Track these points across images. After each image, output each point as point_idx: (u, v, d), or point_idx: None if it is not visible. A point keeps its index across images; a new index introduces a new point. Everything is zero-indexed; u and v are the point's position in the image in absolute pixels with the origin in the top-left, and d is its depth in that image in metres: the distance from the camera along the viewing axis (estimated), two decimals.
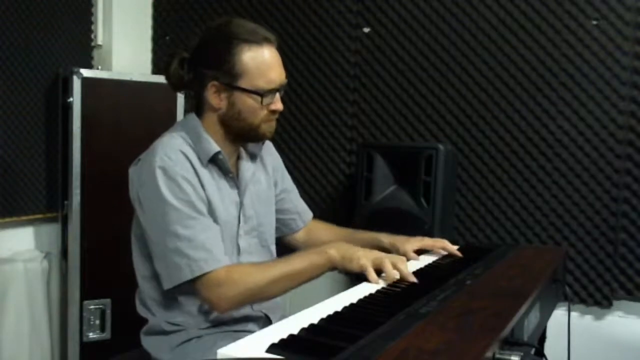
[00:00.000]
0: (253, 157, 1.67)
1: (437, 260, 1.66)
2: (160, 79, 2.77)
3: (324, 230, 1.89)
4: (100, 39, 2.99)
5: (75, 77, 2.54)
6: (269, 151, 1.77)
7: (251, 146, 1.66)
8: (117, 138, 2.63)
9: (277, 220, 1.78)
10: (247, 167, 1.64)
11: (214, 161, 1.53)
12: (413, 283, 1.36)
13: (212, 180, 1.52)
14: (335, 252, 1.44)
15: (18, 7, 2.58)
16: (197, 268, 1.40)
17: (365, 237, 1.77)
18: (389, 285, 1.35)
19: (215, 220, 1.50)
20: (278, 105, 1.54)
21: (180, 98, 2.79)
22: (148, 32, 3.20)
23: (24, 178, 2.65)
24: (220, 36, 1.50)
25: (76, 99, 2.55)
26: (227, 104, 1.51)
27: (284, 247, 1.84)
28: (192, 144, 1.51)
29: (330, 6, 2.81)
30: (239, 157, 1.63)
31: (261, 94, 1.49)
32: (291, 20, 2.89)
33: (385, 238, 1.74)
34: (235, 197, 1.58)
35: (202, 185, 1.49)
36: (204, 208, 1.46)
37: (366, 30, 2.77)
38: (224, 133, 1.55)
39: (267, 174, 1.73)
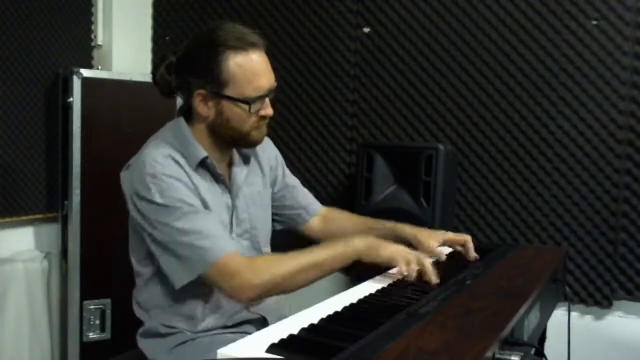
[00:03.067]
0: (246, 159, 1.65)
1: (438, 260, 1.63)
2: None
3: (343, 218, 1.85)
4: (100, 39, 2.99)
5: (75, 77, 2.55)
6: (265, 148, 1.72)
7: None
8: (117, 138, 2.63)
9: (281, 216, 1.77)
10: (240, 170, 1.62)
11: (204, 166, 1.52)
12: (410, 283, 1.36)
13: (204, 184, 1.51)
14: (359, 242, 1.44)
15: (18, 7, 2.58)
16: (210, 255, 1.37)
17: (387, 227, 1.73)
18: (389, 284, 1.35)
19: None
20: (267, 110, 1.50)
21: (180, 99, 2.78)
22: (148, 32, 3.20)
23: (24, 178, 2.65)
24: (206, 43, 1.46)
25: (76, 99, 2.55)
26: (215, 112, 1.48)
27: (300, 239, 1.81)
28: (181, 149, 1.49)
29: (330, 6, 2.81)
30: (231, 161, 1.61)
31: (249, 102, 1.45)
32: (291, 20, 2.89)
33: (409, 230, 1.69)
34: (227, 201, 1.57)
35: (195, 186, 1.47)
36: (199, 203, 1.45)
37: (366, 30, 2.77)
38: (213, 140, 1.53)
39: (263, 174, 1.70)
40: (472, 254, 1.67)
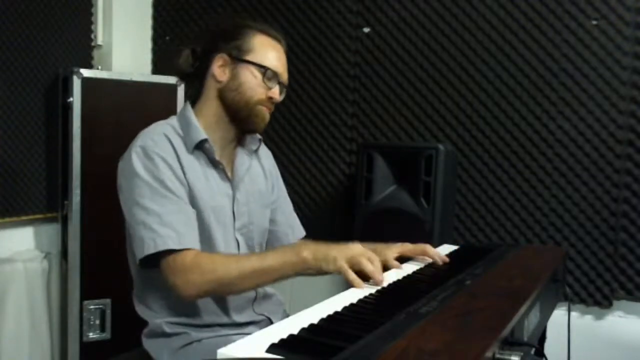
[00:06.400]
0: (249, 152, 1.67)
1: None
2: (161, 79, 2.80)
3: None
4: (100, 39, 2.99)
5: (75, 77, 2.54)
6: (267, 154, 1.76)
7: (248, 141, 1.66)
8: (117, 138, 2.61)
9: (270, 231, 1.74)
10: (242, 162, 1.63)
11: (203, 151, 1.53)
12: (410, 283, 1.36)
13: (199, 167, 1.52)
14: (308, 253, 1.38)
15: (17, 7, 2.58)
16: (161, 242, 1.38)
17: None
18: (388, 284, 1.35)
19: (196, 206, 1.49)
20: (276, 93, 1.56)
21: (180, 98, 2.79)
22: (148, 32, 3.20)
23: (24, 178, 2.65)
24: (235, 21, 1.60)
25: (76, 99, 2.55)
26: (230, 76, 1.54)
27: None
28: (181, 131, 1.53)
29: (330, 6, 2.81)
30: (233, 153, 1.62)
31: (266, 69, 1.53)
32: (291, 20, 2.89)
33: (366, 247, 1.68)
34: (227, 190, 1.57)
35: (184, 170, 1.48)
36: (180, 190, 1.46)
37: (366, 30, 2.77)
38: (218, 114, 1.56)
39: (265, 176, 1.72)
40: (440, 258, 1.58)
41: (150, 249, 1.39)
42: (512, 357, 0.95)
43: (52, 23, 2.73)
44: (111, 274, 2.58)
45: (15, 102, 2.59)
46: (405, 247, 1.61)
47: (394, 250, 1.59)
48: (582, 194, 2.43)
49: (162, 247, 1.39)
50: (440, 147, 2.34)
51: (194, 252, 1.41)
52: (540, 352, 1.32)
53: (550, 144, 2.47)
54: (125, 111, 2.67)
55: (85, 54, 2.90)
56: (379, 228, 2.41)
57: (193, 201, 1.49)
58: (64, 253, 2.68)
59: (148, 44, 3.20)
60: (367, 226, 2.45)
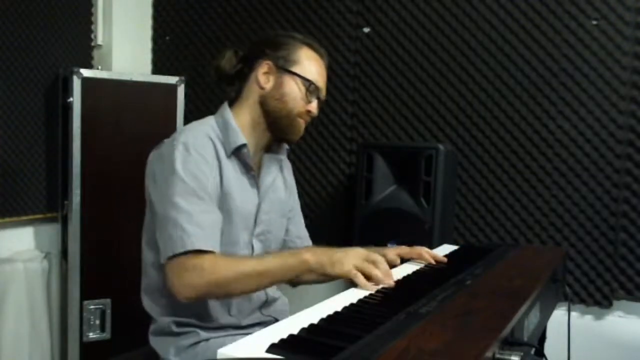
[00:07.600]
0: (277, 161, 1.69)
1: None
2: (161, 79, 2.81)
3: None
4: (100, 39, 2.99)
5: (75, 77, 2.54)
6: (289, 165, 1.78)
7: (275, 149, 1.67)
8: (117, 138, 2.63)
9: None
10: (269, 171, 1.65)
11: (238, 155, 1.54)
12: (410, 283, 1.36)
13: (233, 171, 1.53)
14: (310, 255, 1.38)
15: (18, 7, 2.58)
16: (189, 242, 1.36)
17: None
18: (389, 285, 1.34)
19: (229, 207, 1.49)
20: (314, 107, 1.59)
21: (180, 98, 2.79)
22: (148, 32, 3.20)
23: (24, 178, 2.65)
24: (283, 33, 1.65)
25: (76, 99, 2.55)
26: (274, 84, 1.56)
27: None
28: (220, 134, 1.54)
29: (330, 6, 2.81)
30: (262, 161, 1.63)
31: (310, 82, 1.55)
32: (291, 21, 2.89)
33: None
34: (254, 197, 1.58)
35: (221, 172, 1.49)
36: (212, 192, 1.45)
37: (366, 30, 2.77)
38: (256, 120, 1.57)
39: (286, 186, 1.74)
40: (438, 258, 1.61)
41: (178, 249, 1.36)
42: (512, 357, 0.95)
43: (52, 23, 2.73)
44: (111, 274, 2.59)
45: (15, 102, 2.59)
46: (402, 250, 1.64)
47: (391, 251, 1.61)
48: (582, 194, 2.43)
49: (189, 247, 1.36)
50: (440, 147, 2.34)
51: (196, 252, 1.38)
52: (540, 352, 1.32)
53: (550, 144, 2.47)
54: (125, 111, 2.67)
55: (85, 54, 2.90)
56: (379, 228, 2.41)
57: (227, 202, 1.49)
58: (64, 253, 2.68)
59: (148, 44, 3.20)
60: (367, 226, 2.45)
